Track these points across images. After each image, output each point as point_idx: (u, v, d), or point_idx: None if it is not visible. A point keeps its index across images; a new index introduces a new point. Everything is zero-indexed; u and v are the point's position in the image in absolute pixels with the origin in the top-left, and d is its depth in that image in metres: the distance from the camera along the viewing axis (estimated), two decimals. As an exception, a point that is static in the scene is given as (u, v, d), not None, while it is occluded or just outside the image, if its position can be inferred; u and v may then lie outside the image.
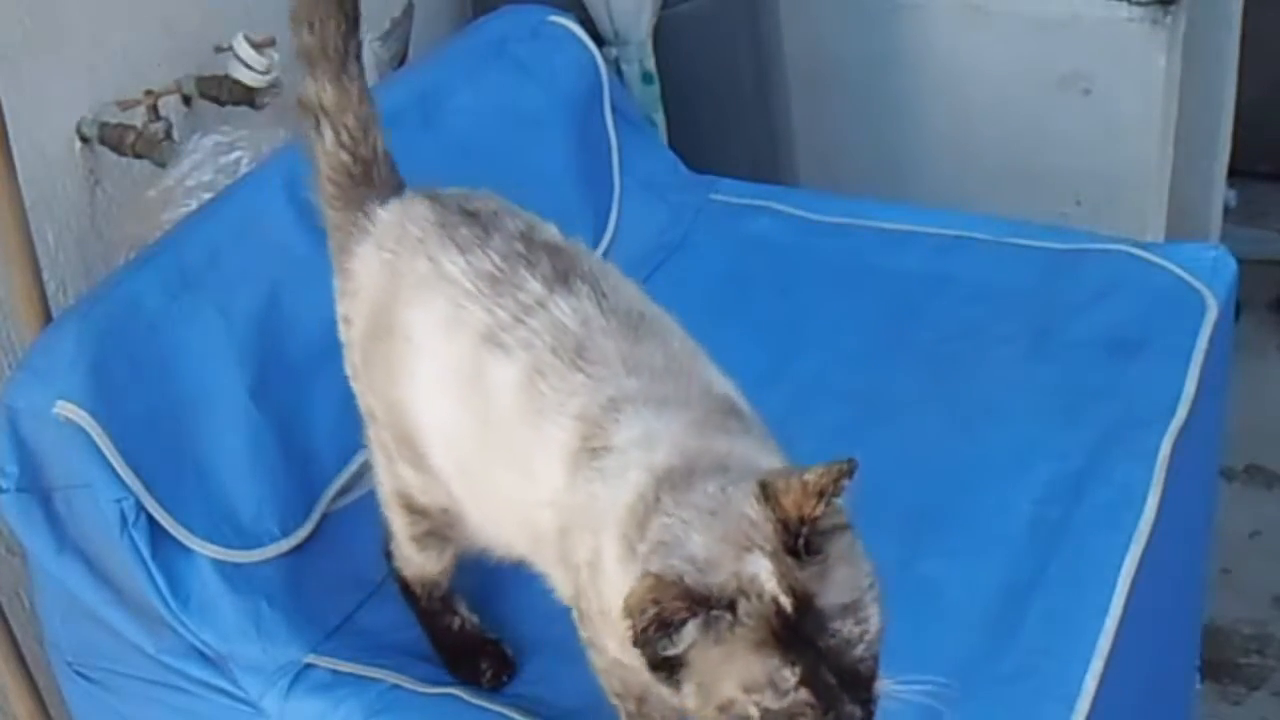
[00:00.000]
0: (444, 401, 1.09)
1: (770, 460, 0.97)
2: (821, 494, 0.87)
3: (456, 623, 1.23)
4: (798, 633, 0.87)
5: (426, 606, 1.23)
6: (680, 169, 1.81)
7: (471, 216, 1.11)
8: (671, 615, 0.85)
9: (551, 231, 1.13)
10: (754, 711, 0.87)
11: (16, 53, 1.51)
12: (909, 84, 2.34)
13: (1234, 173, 2.63)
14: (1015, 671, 1.17)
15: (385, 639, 1.26)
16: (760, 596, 0.87)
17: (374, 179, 1.16)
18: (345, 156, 1.15)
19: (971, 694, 1.15)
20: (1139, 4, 2.09)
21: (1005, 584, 1.25)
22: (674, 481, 0.93)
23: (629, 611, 0.85)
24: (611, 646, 0.99)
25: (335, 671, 1.23)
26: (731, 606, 0.86)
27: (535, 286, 1.06)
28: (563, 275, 1.07)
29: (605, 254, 1.67)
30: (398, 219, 1.14)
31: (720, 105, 2.08)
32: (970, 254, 1.64)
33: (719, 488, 0.92)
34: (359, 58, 1.15)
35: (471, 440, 1.08)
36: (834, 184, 2.27)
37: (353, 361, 1.18)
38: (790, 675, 0.86)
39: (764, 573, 0.87)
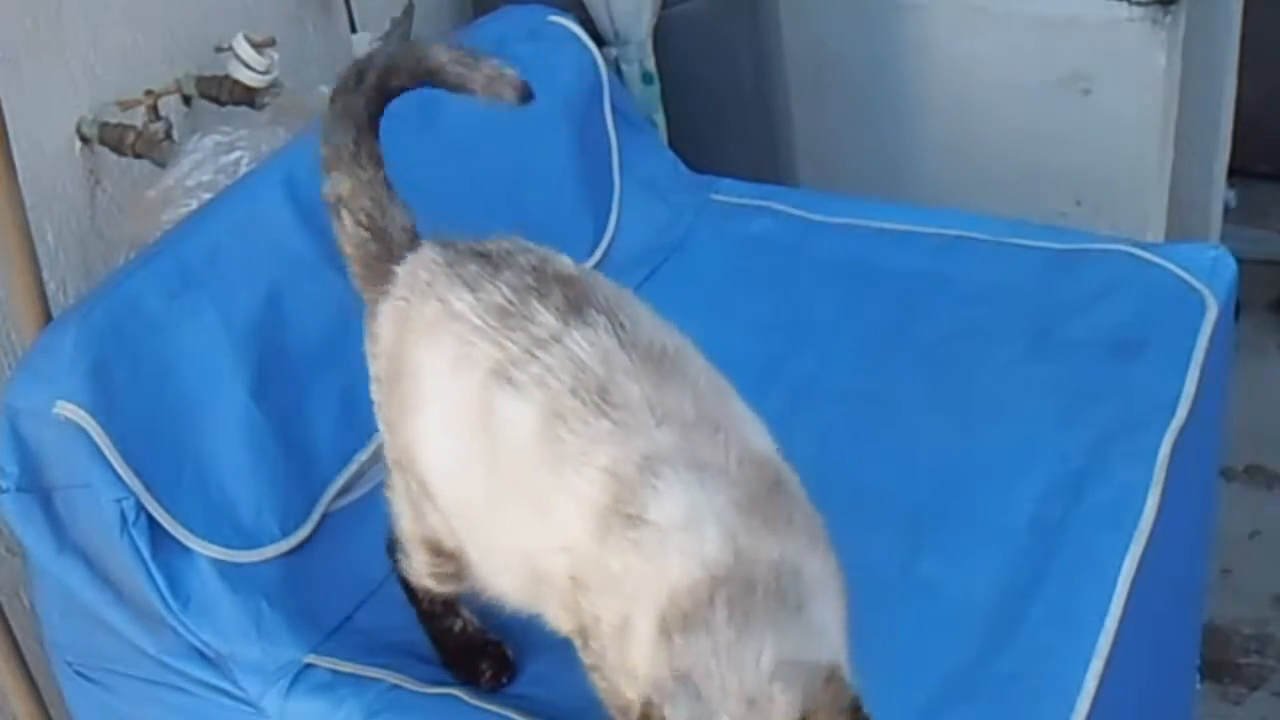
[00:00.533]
0: (449, 438, 1.08)
1: (815, 563, 0.96)
2: None
3: (458, 624, 1.23)
4: None
5: (428, 609, 1.23)
6: (680, 169, 1.81)
7: (482, 256, 1.11)
8: None
9: (565, 262, 1.12)
10: None
11: (16, 53, 1.51)
12: (909, 84, 2.34)
13: (1234, 173, 2.63)
14: (1015, 671, 1.17)
15: (385, 639, 1.26)
16: None
17: (393, 248, 1.18)
18: (364, 234, 1.19)
19: (971, 694, 1.15)
20: (1139, 4, 2.09)
21: (1005, 584, 1.25)
22: (731, 595, 0.91)
23: None
24: (630, 693, 0.97)
25: (335, 671, 1.23)
26: None
27: (548, 319, 1.04)
28: (577, 306, 1.05)
29: (605, 254, 1.67)
30: (410, 269, 1.15)
31: (720, 105, 2.07)
32: (970, 254, 1.64)
33: (762, 662, 0.89)
34: (372, 149, 1.21)
35: (476, 477, 1.07)
36: (834, 184, 2.27)
37: (382, 416, 1.18)
38: None
39: None
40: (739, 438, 1.00)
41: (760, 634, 0.89)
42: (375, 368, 1.18)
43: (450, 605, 1.23)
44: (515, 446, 1.02)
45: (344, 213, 1.19)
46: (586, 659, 1.02)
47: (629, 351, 1.02)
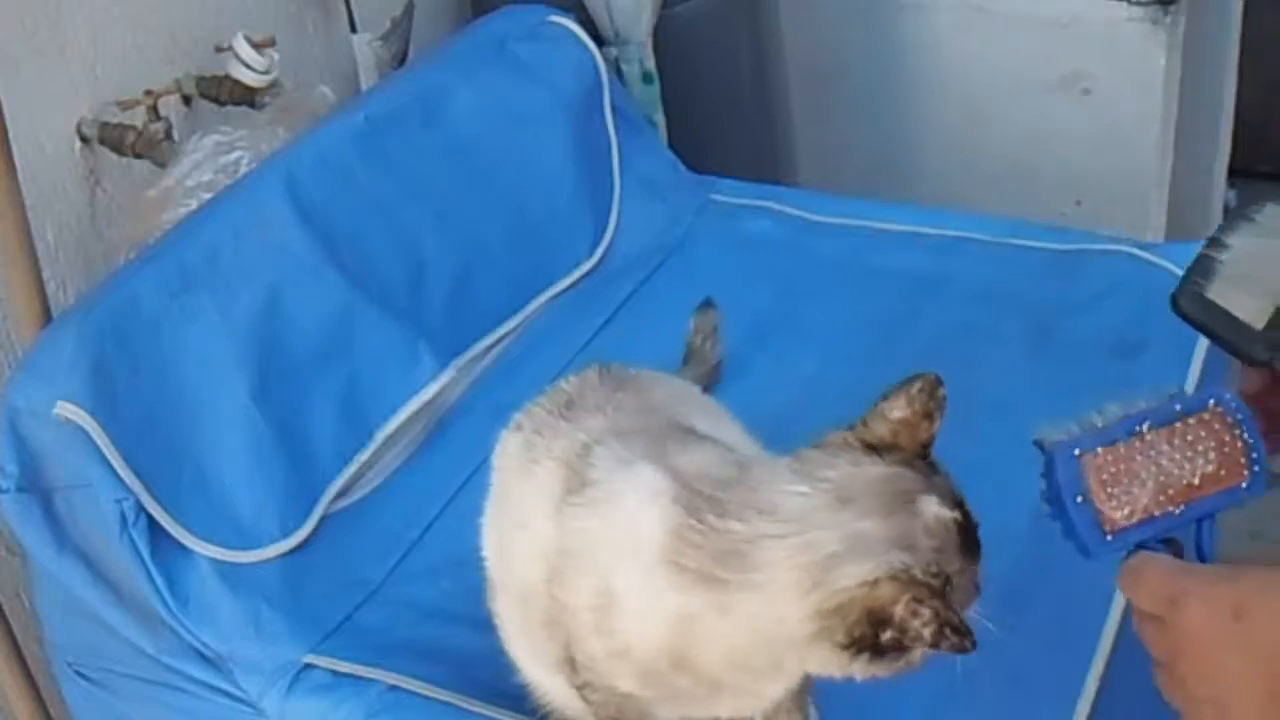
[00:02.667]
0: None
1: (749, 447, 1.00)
2: (929, 416, 0.89)
3: None
4: (970, 534, 0.90)
5: None
6: (680, 169, 1.81)
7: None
8: (938, 609, 0.83)
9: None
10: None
11: (16, 53, 1.51)
12: (909, 84, 2.34)
13: (1234, 173, 2.63)
14: (1015, 671, 1.17)
15: (385, 639, 1.26)
16: (947, 529, 0.87)
17: None
18: None
19: (971, 694, 1.15)
20: (1139, 4, 2.09)
21: (1005, 583, 1.25)
22: (719, 491, 0.90)
23: (890, 623, 0.83)
24: (624, 684, 0.96)
25: (335, 672, 1.23)
26: (940, 571, 0.86)
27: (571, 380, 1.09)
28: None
29: (605, 254, 1.67)
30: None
31: (720, 105, 2.08)
32: (970, 254, 1.64)
33: (794, 474, 0.89)
34: None
35: (496, 538, 1.09)
36: (834, 184, 2.27)
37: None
38: (978, 570, 0.89)
39: (934, 508, 0.87)
40: (671, 415, 1.04)
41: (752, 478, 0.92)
42: None
43: None
44: (505, 475, 1.07)
45: None
46: (577, 679, 1.01)
47: (604, 379, 1.07)
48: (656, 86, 1.95)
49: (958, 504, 0.89)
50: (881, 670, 0.87)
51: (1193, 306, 0.98)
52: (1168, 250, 1.62)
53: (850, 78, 2.36)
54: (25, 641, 1.49)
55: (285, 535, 1.30)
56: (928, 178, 2.34)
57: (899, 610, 0.83)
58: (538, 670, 1.08)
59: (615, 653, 0.95)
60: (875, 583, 0.84)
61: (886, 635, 0.84)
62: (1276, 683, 0.71)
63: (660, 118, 1.96)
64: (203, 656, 1.25)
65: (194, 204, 1.49)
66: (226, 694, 1.25)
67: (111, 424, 1.22)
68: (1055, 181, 2.24)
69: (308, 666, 1.24)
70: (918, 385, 0.90)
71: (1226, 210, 2.72)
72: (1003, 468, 1.39)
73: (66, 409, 1.21)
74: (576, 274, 1.64)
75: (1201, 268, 0.99)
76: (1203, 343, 1.47)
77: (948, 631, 0.83)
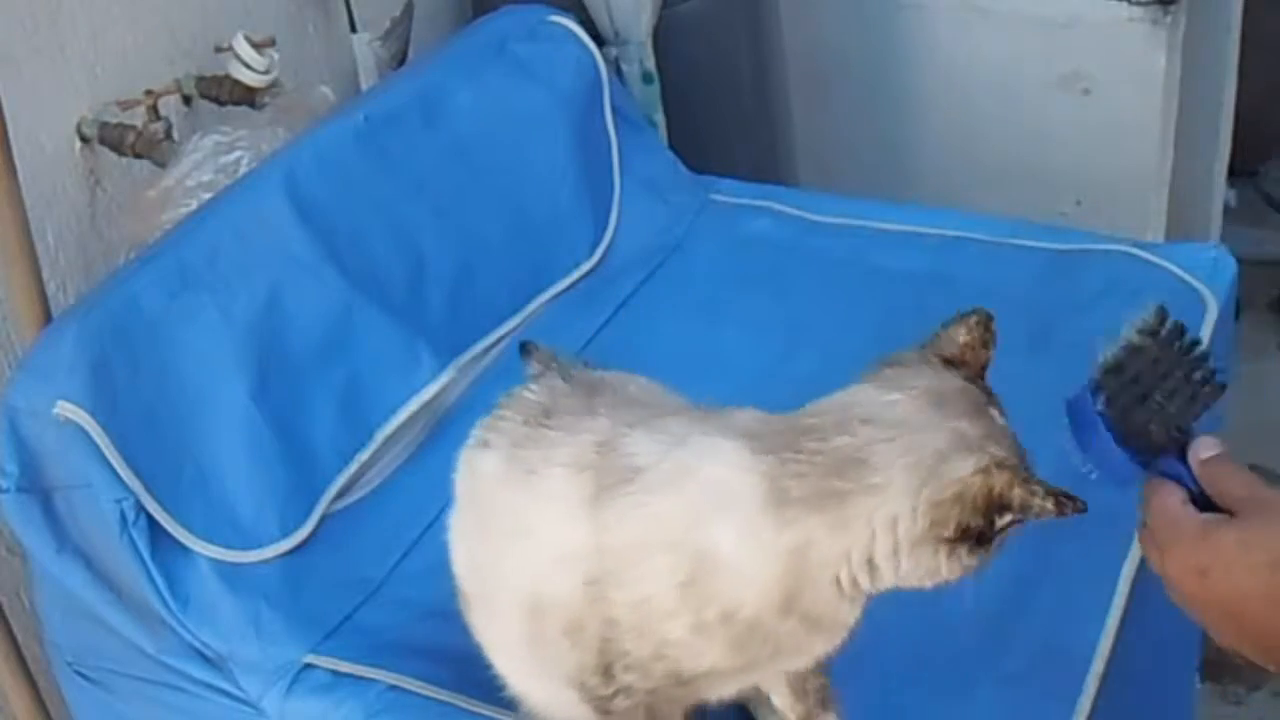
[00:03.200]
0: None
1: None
2: (985, 344, 0.99)
3: None
4: None
5: None
6: (680, 169, 1.81)
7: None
8: (1046, 485, 0.91)
9: None
10: None
11: (16, 53, 1.51)
12: (909, 84, 2.34)
13: (1234, 173, 2.63)
14: (1015, 671, 1.17)
15: (385, 639, 1.26)
16: (1012, 439, 0.96)
17: None
18: None
19: (971, 694, 1.15)
20: (1139, 4, 2.09)
21: (1005, 583, 1.25)
22: (797, 423, 0.96)
23: (1010, 506, 0.90)
24: (706, 660, 0.97)
25: (335, 672, 1.23)
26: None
27: (530, 393, 1.07)
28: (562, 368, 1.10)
29: (605, 254, 1.67)
30: None
31: (720, 105, 2.08)
32: (970, 254, 1.64)
33: (882, 387, 0.97)
34: None
35: (476, 548, 1.08)
36: (834, 184, 2.28)
37: None
38: None
39: (1001, 419, 0.96)
40: (662, 401, 1.06)
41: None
42: None
43: None
44: (487, 491, 1.04)
45: None
46: (604, 689, 1.00)
47: (572, 384, 1.06)
48: (656, 86, 1.95)
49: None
50: (974, 563, 0.92)
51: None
52: (1168, 250, 1.62)
53: (850, 78, 2.36)
54: (25, 641, 1.49)
55: (285, 535, 1.30)
56: (928, 178, 2.34)
57: (1017, 491, 0.89)
58: (538, 684, 1.07)
59: (712, 622, 0.95)
60: (987, 470, 0.90)
61: (1005, 518, 0.90)
62: (1240, 625, 0.87)
63: (660, 118, 1.96)
64: (203, 656, 1.25)
65: (194, 204, 1.49)
66: (226, 694, 1.25)
67: (111, 424, 1.22)
68: (1055, 181, 2.24)
69: (308, 666, 1.24)
70: (974, 318, 1.00)
71: (1227, 210, 2.72)
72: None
73: (66, 409, 1.21)
74: (576, 274, 1.64)
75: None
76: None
77: (1063, 500, 0.90)
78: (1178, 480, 0.94)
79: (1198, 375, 0.97)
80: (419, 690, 1.21)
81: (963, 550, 0.91)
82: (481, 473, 1.05)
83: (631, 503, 0.96)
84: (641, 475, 0.96)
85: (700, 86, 2.03)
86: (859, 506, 0.91)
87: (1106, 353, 0.98)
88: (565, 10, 1.75)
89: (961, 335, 0.99)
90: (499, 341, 1.54)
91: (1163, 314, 0.97)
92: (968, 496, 0.90)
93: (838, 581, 0.94)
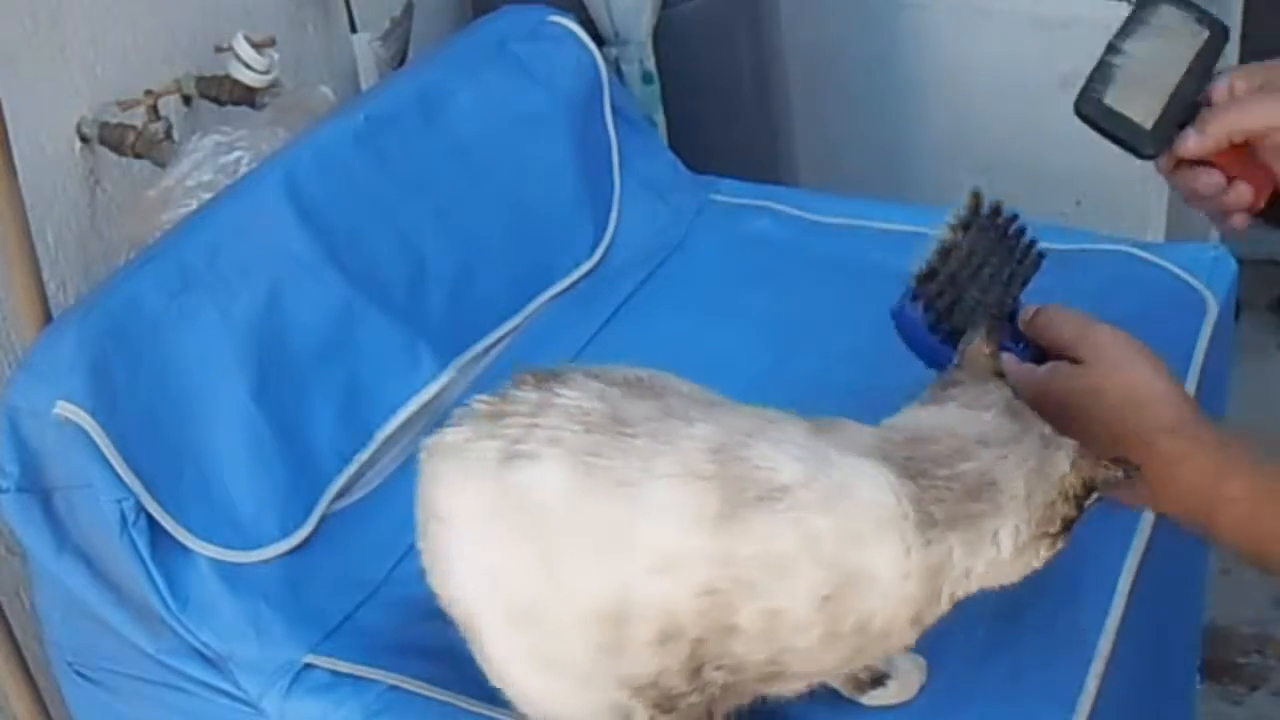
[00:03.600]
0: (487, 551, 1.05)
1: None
2: (997, 351, 1.07)
3: None
4: None
5: None
6: (680, 169, 1.81)
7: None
8: (1111, 459, 1.00)
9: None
10: None
11: (16, 53, 1.51)
12: (909, 84, 2.34)
13: (1234, 173, 2.62)
14: (1015, 671, 1.17)
15: (385, 639, 1.26)
16: None
17: None
18: None
19: (971, 694, 1.15)
20: (1139, 4, 2.09)
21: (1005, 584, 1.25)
22: (914, 450, 1.00)
23: (1096, 485, 0.99)
24: (819, 663, 1.02)
25: (335, 672, 1.23)
26: None
27: (529, 394, 1.04)
28: (549, 374, 1.05)
29: (605, 254, 1.67)
30: None
31: (720, 105, 2.08)
32: (970, 254, 1.64)
33: (969, 408, 1.02)
34: None
35: (521, 571, 1.03)
36: (834, 184, 2.27)
37: None
38: None
39: None
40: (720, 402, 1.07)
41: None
42: None
43: None
44: (552, 505, 1.00)
45: None
46: (689, 686, 1.00)
47: (615, 386, 1.03)
48: (656, 86, 1.95)
49: None
50: (1064, 546, 1.01)
51: (1091, 110, 1.18)
52: (1168, 250, 1.62)
53: (851, 77, 2.36)
54: (25, 641, 1.49)
55: (285, 535, 1.30)
56: (928, 177, 2.34)
57: (1101, 472, 0.98)
58: (575, 698, 1.06)
59: (845, 633, 0.98)
60: (1075, 463, 0.98)
61: (1091, 499, 0.99)
62: (1170, 420, 1.03)
63: (660, 118, 1.96)
64: (203, 656, 1.25)
65: (194, 204, 1.49)
66: (226, 694, 1.25)
67: (111, 424, 1.22)
68: (1055, 181, 2.24)
69: (308, 666, 1.24)
70: (984, 328, 1.05)
71: (1226, 210, 2.71)
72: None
73: (66, 409, 1.21)
74: (576, 274, 1.64)
75: (1100, 74, 1.16)
76: (1202, 343, 1.47)
77: (1121, 463, 0.98)
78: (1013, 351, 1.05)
79: (1018, 251, 1.07)
80: (419, 690, 1.21)
81: (1061, 539, 1.00)
82: (534, 490, 1.00)
83: (785, 520, 0.96)
84: (791, 492, 0.97)
85: (700, 86, 2.03)
86: (989, 523, 0.98)
87: (921, 257, 1.06)
88: (565, 10, 1.75)
89: (986, 348, 1.05)
90: (499, 341, 1.54)
91: (977, 199, 1.03)
92: (1069, 490, 0.98)
93: (952, 596, 1.00)
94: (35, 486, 1.25)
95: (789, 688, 1.06)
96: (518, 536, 1.03)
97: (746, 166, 1.95)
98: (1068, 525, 1.00)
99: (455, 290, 1.52)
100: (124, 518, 1.22)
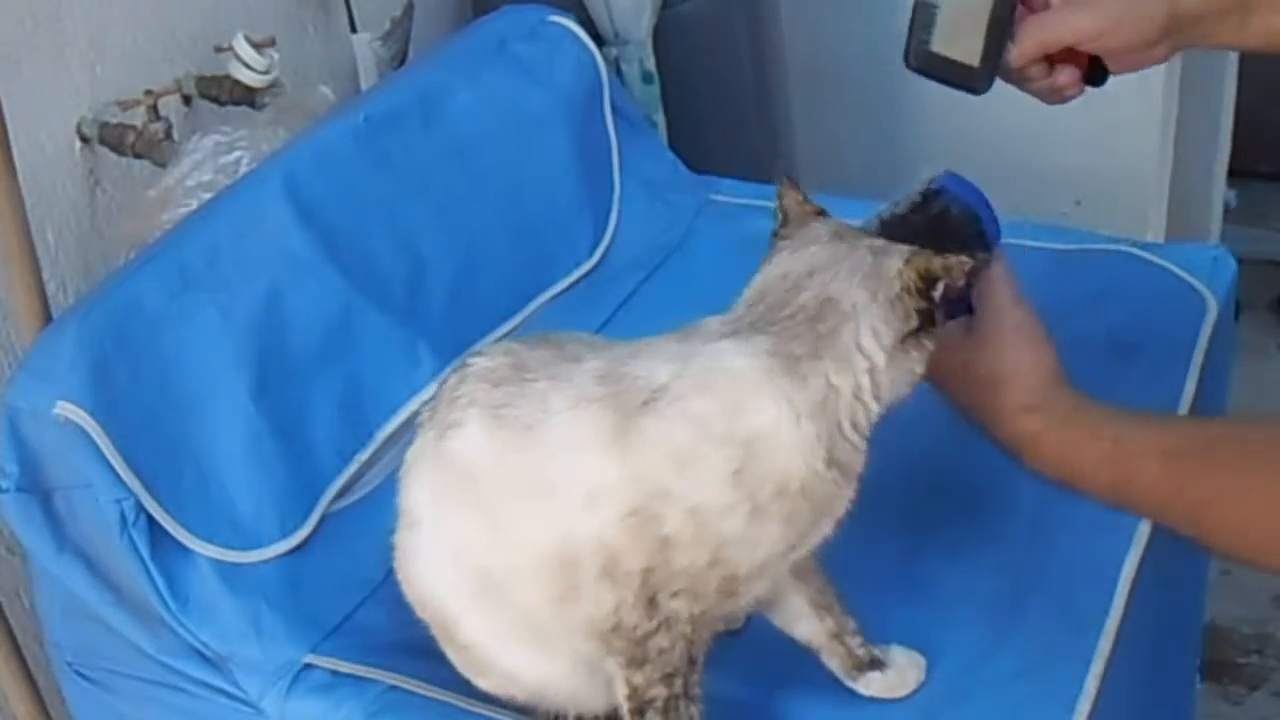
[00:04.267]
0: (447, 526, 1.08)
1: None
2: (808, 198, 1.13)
3: None
4: None
5: None
6: (680, 169, 1.81)
7: None
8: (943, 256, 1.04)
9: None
10: None
11: (16, 53, 1.51)
12: (909, 84, 2.32)
13: (1234, 173, 2.63)
14: (1015, 671, 1.17)
15: (385, 639, 1.26)
16: None
17: None
18: None
19: (971, 694, 1.15)
20: (1139, 4, 2.09)
21: (1005, 584, 1.25)
22: (766, 314, 1.05)
23: (938, 276, 1.02)
24: (766, 546, 1.02)
25: (335, 672, 1.23)
26: None
27: (450, 377, 1.10)
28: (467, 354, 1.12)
29: (605, 254, 1.67)
30: None
31: (720, 105, 2.08)
32: (970, 254, 1.64)
33: (795, 250, 1.08)
34: None
35: (475, 543, 1.07)
36: (834, 184, 2.27)
37: None
38: None
39: None
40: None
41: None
42: None
43: None
44: (480, 467, 1.04)
45: None
46: (647, 624, 1.01)
47: (521, 343, 1.11)
48: (656, 86, 1.95)
49: None
50: (931, 346, 1.05)
51: (922, 62, 1.25)
52: (1168, 250, 1.62)
53: (850, 78, 2.36)
54: (25, 641, 1.49)
55: (285, 535, 1.30)
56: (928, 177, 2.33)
57: (937, 262, 1.02)
58: (554, 663, 1.08)
59: (767, 503, 1.00)
60: (909, 259, 1.03)
61: (938, 289, 1.02)
62: (1028, 397, 1.10)
63: (660, 118, 1.96)
64: (203, 656, 1.25)
65: (194, 204, 1.49)
66: (226, 694, 1.25)
67: (111, 424, 1.22)
68: (1055, 181, 2.24)
69: (308, 666, 1.24)
70: (784, 185, 1.13)
71: (1227, 210, 2.72)
72: (1002, 466, 1.39)
73: (66, 409, 1.21)
74: (576, 274, 1.64)
75: (922, 21, 1.21)
76: (1202, 341, 1.47)
77: (966, 259, 1.03)
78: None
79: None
80: (419, 690, 1.21)
81: (925, 339, 1.04)
82: (463, 455, 1.05)
83: (671, 414, 1.00)
84: (667, 389, 1.01)
85: (700, 86, 2.03)
86: (845, 336, 1.02)
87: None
88: (565, 10, 1.75)
89: (793, 199, 1.12)
90: (499, 341, 1.54)
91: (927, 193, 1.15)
92: (909, 283, 1.02)
93: (854, 424, 1.03)
94: (35, 486, 1.25)
95: (752, 592, 1.06)
96: (465, 508, 1.06)
97: (746, 166, 1.95)
98: (926, 320, 1.03)
99: (455, 290, 1.52)
100: (124, 518, 1.22)
